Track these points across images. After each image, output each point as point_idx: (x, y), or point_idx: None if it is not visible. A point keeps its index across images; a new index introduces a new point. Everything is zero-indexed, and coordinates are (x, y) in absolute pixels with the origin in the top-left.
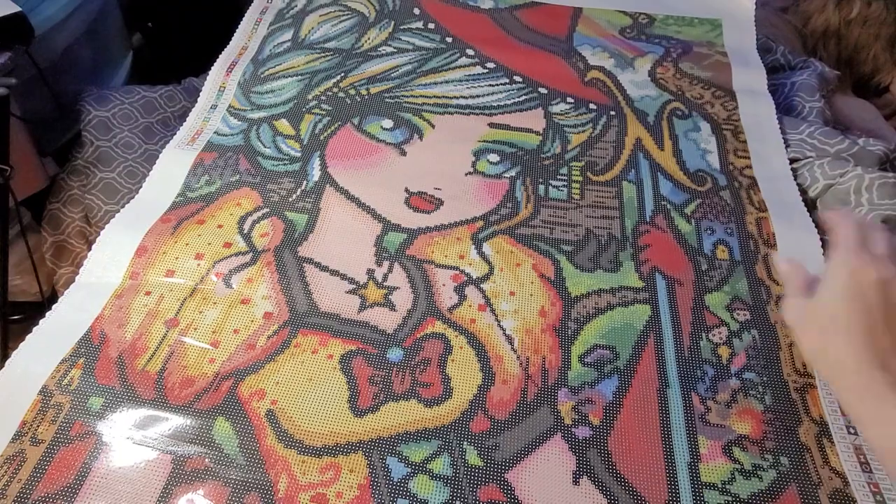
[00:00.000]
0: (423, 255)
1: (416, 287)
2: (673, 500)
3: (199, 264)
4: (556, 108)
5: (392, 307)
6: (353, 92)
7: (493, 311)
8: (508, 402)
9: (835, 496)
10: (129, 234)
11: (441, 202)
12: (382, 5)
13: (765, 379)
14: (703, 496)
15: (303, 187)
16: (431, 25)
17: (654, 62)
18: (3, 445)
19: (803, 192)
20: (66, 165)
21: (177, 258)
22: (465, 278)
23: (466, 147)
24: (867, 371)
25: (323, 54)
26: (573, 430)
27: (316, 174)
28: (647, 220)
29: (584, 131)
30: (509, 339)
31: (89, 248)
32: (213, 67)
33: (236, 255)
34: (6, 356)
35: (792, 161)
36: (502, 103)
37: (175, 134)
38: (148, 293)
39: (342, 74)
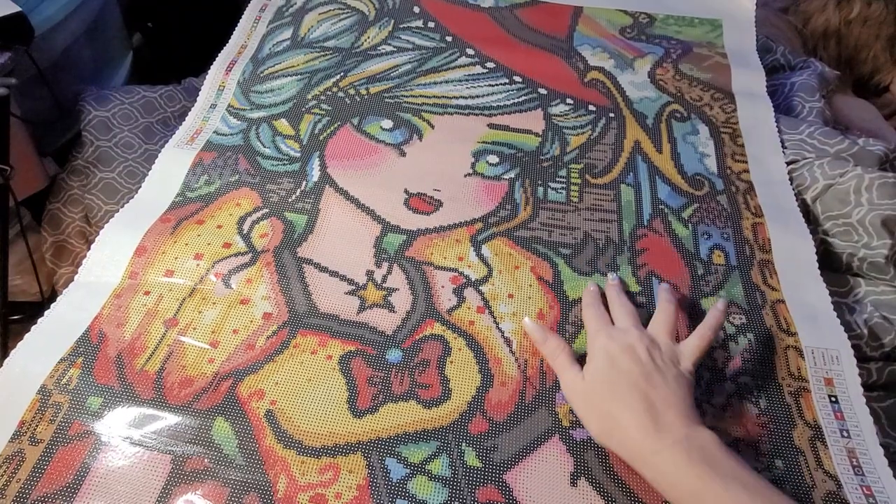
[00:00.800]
0: (423, 257)
1: (415, 289)
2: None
3: (198, 264)
4: (555, 110)
5: (391, 308)
6: (352, 92)
7: (491, 313)
8: (507, 403)
9: (828, 499)
10: (128, 233)
11: (440, 203)
12: (382, 3)
13: (760, 383)
14: None
15: (302, 188)
16: (431, 24)
17: (653, 63)
18: (2, 445)
19: (803, 192)
20: (66, 165)
21: (176, 258)
22: (464, 280)
23: (466, 148)
24: (653, 433)
25: (322, 53)
26: (571, 431)
27: (315, 174)
28: (645, 223)
29: (583, 133)
30: (508, 342)
31: (89, 248)
32: (212, 66)
33: (236, 255)
34: (6, 356)
35: (791, 161)
36: (502, 104)
37: (175, 134)
38: (147, 293)
39: (342, 74)
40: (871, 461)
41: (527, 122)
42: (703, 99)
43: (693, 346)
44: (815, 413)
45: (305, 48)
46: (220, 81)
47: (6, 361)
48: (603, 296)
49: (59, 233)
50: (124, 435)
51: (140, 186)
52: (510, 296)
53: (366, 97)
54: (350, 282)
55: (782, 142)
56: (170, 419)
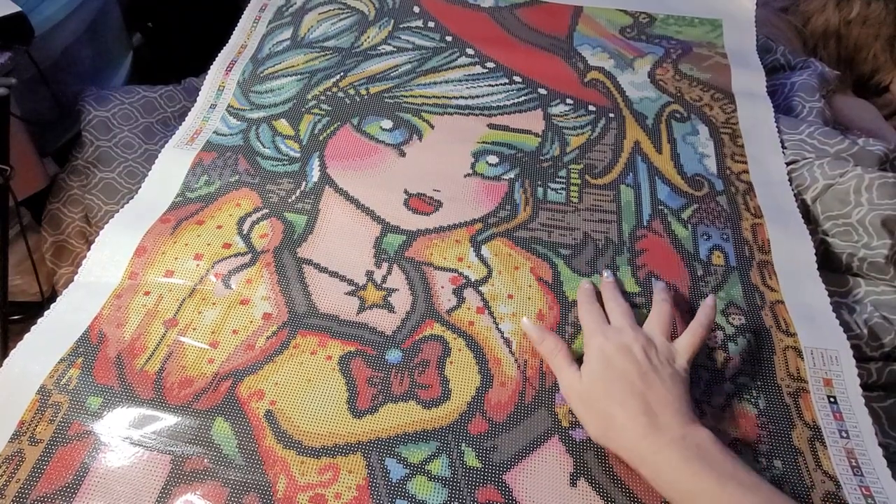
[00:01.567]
0: (422, 257)
1: (414, 289)
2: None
3: (198, 265)
4: (555, 110)
5: (391, 309)
6: (352, 92)
7: (491, 313)
8: (506, 403)
9: (827, 499)
10: (128, 234)
11: (440, 204)
12: (382, 3)
13: (759, 383)
14: None
15: (302, 188)
16: (431, 24)
17: (653, 63)
18: (2, 445)
19: (803, 192)
20: (66, 165)
21: (176, 258)
22: (464, 281)
23: (466, 148)
24: (650, 433)
25: (322, 53)
26: (570, 432)
27: (315, 175)
28: (645, 224)
29: (582, 133)
30: (507, 342)
31: (89, 248)
32: (212, 66)
33: (235, 255)
34: (6, 356)
35: (791, 162)
36: (502, 104)
37: (175, 134)
38: (147, 293)
39: (341, 74)
40: (870, 462)
41: (526, 123)
42: (702, 99)
43: (686, 343)
44: (815, 413)
45: (305, 48)
46: (219, 82)
47: (6, 361)
48: (599, 294)
49: (59, 233)
50: (124, 435)
51: (140, 186)
52: (510, 296)
53: (365, 97)
54: (350, 282)
55: (782, 142)
56: (169, 419)
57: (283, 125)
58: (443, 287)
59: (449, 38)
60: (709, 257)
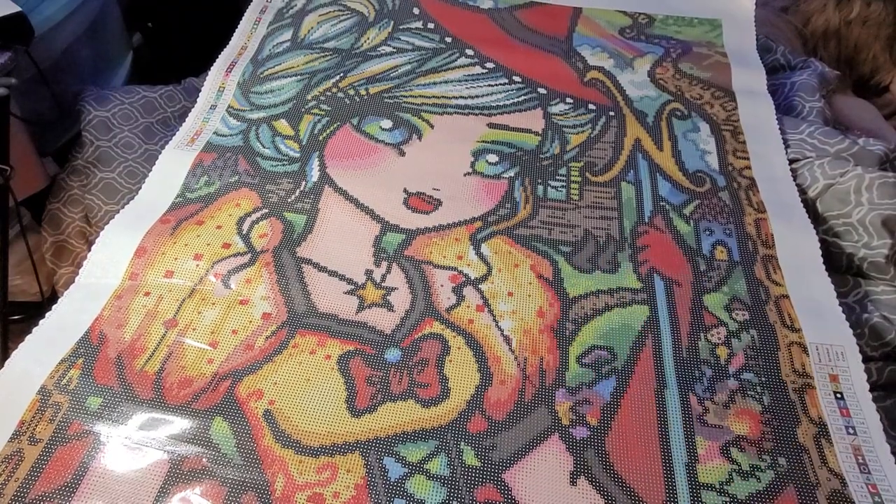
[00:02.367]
0: (422, 256)
1: (414, 288)
2: (670, 500)
3: (197, 265)
4: (555, 109)
5: (390, 308)
6: (352, 92)
7: (491, 311)
8: (506, 402)
9: (833, 497)
10: (128, 234)
11: (440, 203)
12: (382, 5)
13: (763, 379)
14: (700, 497)
15: (301, 188)
16: (431, 25)
17: (653, 62)
18: (1, 444)
19: (803, 192)
20: (66, 165)
21: (176, 259)
22: (464, 279)
23: (465, 147)
24: None
25: (322, 54)
26: (570, 430)
27: (315, 175)
28: (646, 220)
29: (583, 132)
30: (507, 340)
31: (89, 248)
32: (212, 67)
33: (235, 255)
34: (6, 356)
35: (792, 161)
36: (501, 103)
37: (175, 134)
38: (147, 294)
39: (341, 74)
40: (878, 458)
41: (526, 122)
42: (703, 97)
43: None
44: (821, 410)
45: (305, 49)
46: (220, 83)
47: (7, 362)
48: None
49: (59, 233)
50: (123, 435)
51: (140, 187)
52: (510, 294)
53: (365, 97)
54: (349, 281)
55: (783, 140)
56: (169, 419)
57: (282, 125)
58: (442, 285)
59: (448, 39)
60: (712, 252)
